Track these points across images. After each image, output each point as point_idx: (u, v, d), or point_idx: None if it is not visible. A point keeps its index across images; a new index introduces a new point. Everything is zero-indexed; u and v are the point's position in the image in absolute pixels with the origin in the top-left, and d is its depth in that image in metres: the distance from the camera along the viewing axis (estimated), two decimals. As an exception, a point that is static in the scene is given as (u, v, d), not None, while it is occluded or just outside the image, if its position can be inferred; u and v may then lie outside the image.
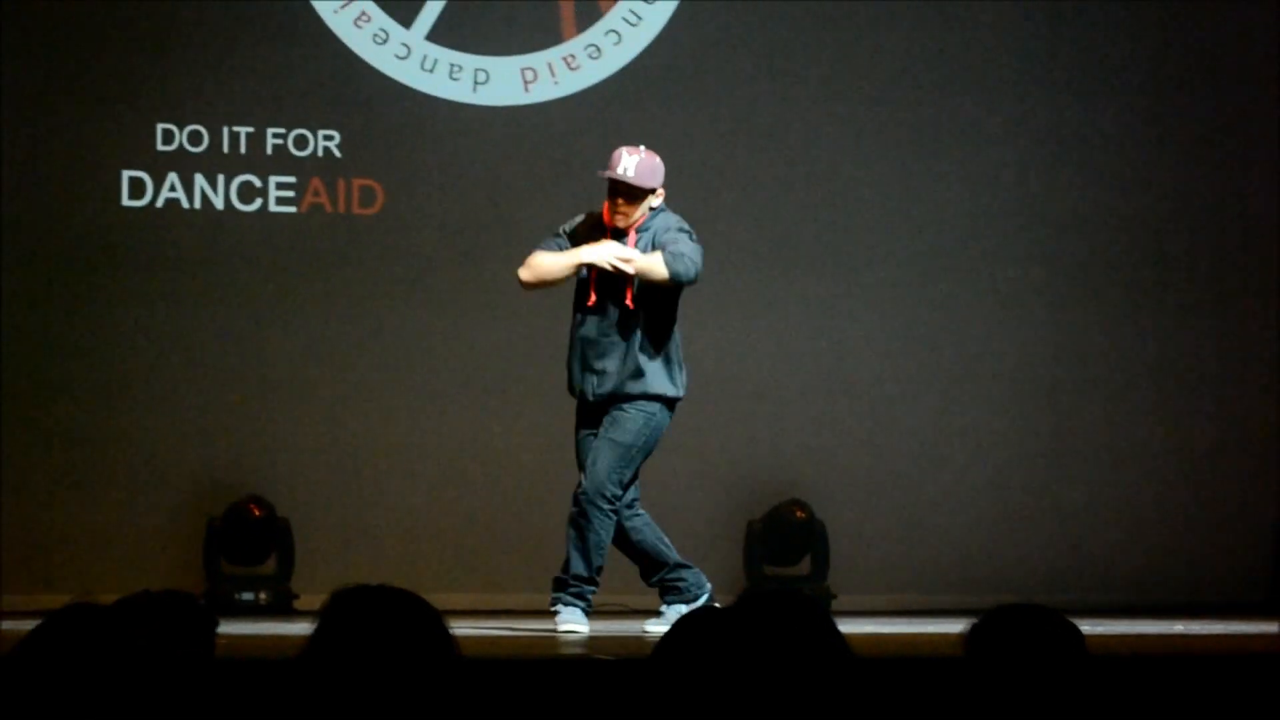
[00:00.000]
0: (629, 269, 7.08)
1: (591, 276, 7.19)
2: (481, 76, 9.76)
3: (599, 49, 9.85)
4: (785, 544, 9.69)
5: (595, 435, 7.20)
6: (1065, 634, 3.13)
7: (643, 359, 7.16)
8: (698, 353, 9.79)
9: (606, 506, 7.07)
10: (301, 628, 2.92)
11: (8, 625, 4.39)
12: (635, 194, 7.16)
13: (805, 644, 2.71)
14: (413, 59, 9.70)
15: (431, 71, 9.72)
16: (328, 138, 9.62)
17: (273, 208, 9.59)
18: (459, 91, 9.74)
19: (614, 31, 9.87)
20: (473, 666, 2.84)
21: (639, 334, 7.17)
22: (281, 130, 9.59)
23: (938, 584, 9.76)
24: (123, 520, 9.32)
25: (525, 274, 7.32)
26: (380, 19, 9.68)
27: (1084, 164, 10.19)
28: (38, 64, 9.34)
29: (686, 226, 7.25)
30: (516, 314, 9.22)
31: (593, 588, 7.16)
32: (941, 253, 10.06)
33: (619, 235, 7.20)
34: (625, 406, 7.16)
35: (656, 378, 7.18)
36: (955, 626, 3.34)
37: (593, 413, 7.23)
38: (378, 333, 9.61)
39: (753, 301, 9.91)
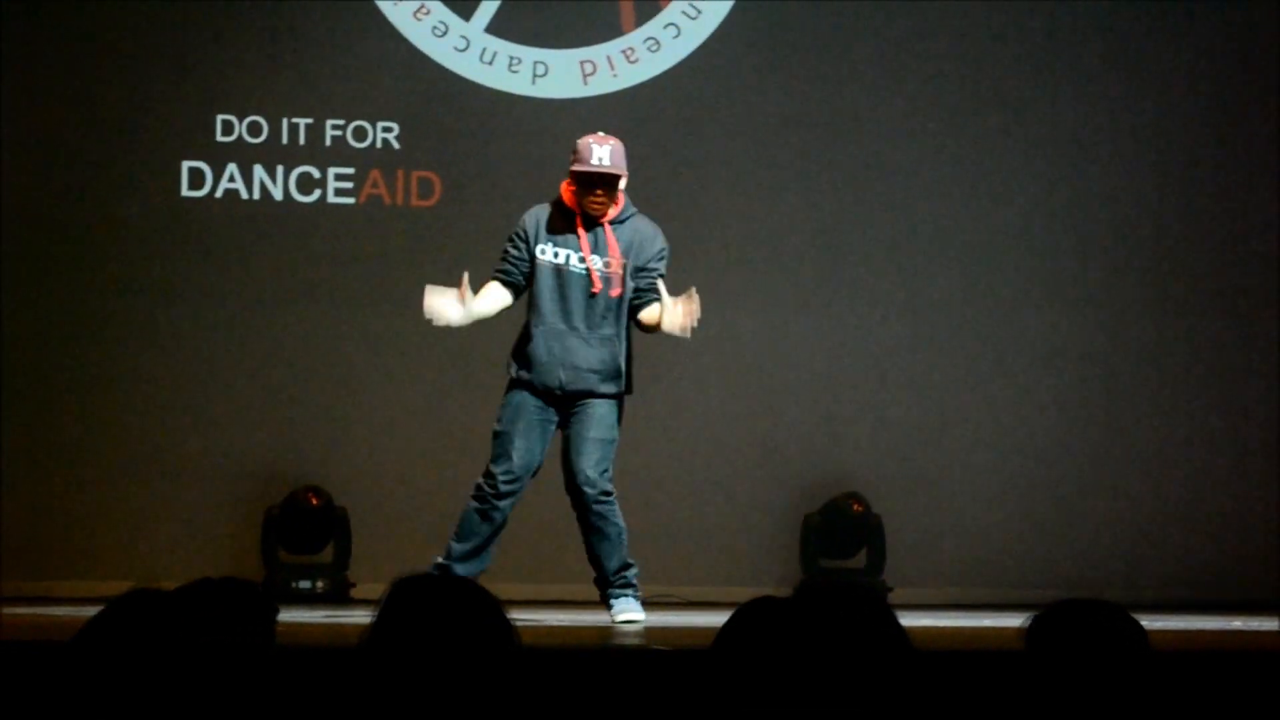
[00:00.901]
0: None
1: (589, 266, 7.11)
2: (540, 69, 9.76)
3: (658, 42, 9.84)
4: (842, 537, 9.67)
5: (542, 425, 7.15)
6: (1127, 629, 3.12)
7: (619, 356, 7.14)
8: (756, 346, 9.80)
9: (609, 498, 7.12)
10: (359, 616, 2.93)
11: (71, 612, 4.42)
12: (614, 182, 7.09)
13: (865, 635, 2.70)
14: (472, 51, 9.71)
15: (490, 64, 9.72)
16: (386, 130, 9.64)
17: (331, 199, 9.61)
18: (518, 84, 9.74)
19: (673, 25, 9.86)
20: (532, 656, 2.84)
21: (622, 330, 7.15)
22: (340, 122, 9.61)
23: (995, 578, 9.72)
24: (183, 509, 9.37)
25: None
26: (440, 11, 9.70)
27: (1126, 164, 10.13)
28: (98, 53, 9.38)
29: (666, 249, 7.17)
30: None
31: (634, 571, 7.18)
32: (996, 249, 10.01)
33: (594, 224, 7.12)
34: (596, 402, 7.12)
35: (626, 377, 7.17)
36: (1014, 621, 3.33)
37: (548, 404, 7.17)
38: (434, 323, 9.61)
39: (809, 296, 9.88)
